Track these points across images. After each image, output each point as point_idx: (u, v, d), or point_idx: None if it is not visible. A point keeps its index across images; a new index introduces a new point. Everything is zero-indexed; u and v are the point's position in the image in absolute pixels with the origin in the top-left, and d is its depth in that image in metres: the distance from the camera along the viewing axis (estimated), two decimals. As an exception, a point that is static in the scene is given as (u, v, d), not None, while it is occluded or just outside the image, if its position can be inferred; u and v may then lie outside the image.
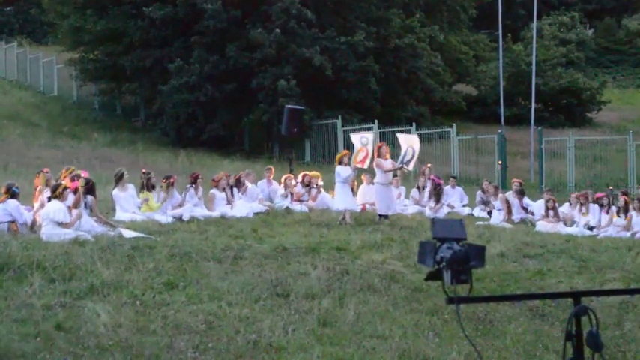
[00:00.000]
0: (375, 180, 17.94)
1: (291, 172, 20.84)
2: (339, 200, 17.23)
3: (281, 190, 19.34)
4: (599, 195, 18.82)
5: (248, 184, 18.79)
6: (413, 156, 17.76)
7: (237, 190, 18.21)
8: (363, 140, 17.91)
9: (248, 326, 8.37)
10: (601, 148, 31.09)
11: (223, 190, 17.57)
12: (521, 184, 20.18)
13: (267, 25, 33.79)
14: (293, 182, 19.48)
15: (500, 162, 22.62)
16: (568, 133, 31.26)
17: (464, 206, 20.84)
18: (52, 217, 12.74)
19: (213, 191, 17.52)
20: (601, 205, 18.48)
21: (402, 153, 17.75)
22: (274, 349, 7.71)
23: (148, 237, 13.14)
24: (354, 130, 26.22)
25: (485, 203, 20.15)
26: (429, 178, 20.50)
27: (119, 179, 16.08)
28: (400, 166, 17.81)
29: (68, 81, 41.62)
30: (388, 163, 17.43)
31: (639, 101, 49.20)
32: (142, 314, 8.63)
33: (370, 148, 17.71)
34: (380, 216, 17.32)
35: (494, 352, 7.92)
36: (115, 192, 16.05)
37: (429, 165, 22.64)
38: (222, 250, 12.21)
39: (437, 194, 19.65)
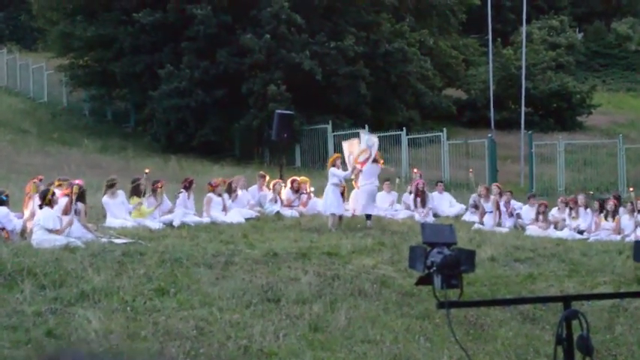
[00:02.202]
0: (359, 184, 17.93)
1: (281, 177, 20.76)
2: (328, 203, 17.18)
3: (270, 194, 19.25)
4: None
5: (239, 190, 18.68)
6: (369, 156, 17.62)
7: (227, 196, 18.13)
8: (369, 142, 17.81)
9: (239, 332, 8.36)
10: (591, 152, 31.17)
11: (220, 195, 17.52)
12: (498, 186, 20.26)
13: (257, 31, 33.77)
14: (283, 186, 19.44)
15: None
16: (558, 137, 31.28)
17: (455, 215, 20.67)
18: (43, 223, 12.73)
19: (211, 195, 17.43)
20: (586, 208, 18.61)
21: (347, 159, 17.75)
22: (265, 355, 7.71)
23: (139, 242, 13.11)
24: (345, 135, 26.14)
25: (477, 207, 20.12)
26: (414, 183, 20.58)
27: (109, 187, 16.02)
28: (355, 169, 17.62)
29: (58, 87, 41.45)
30: (341, 173, 17.35)
31: (629, 105, 49.30)
32: (133, 320, 8.61)
33: (374, 151, 17.66)
34: (367, 217, 17.40)
35: (485, 357, 7.93)
36: (105, 199, 15.97)
37: (414, 170, 22.70)
38: (213, 256, 12.19)
39: (421, 196, 19.70)
